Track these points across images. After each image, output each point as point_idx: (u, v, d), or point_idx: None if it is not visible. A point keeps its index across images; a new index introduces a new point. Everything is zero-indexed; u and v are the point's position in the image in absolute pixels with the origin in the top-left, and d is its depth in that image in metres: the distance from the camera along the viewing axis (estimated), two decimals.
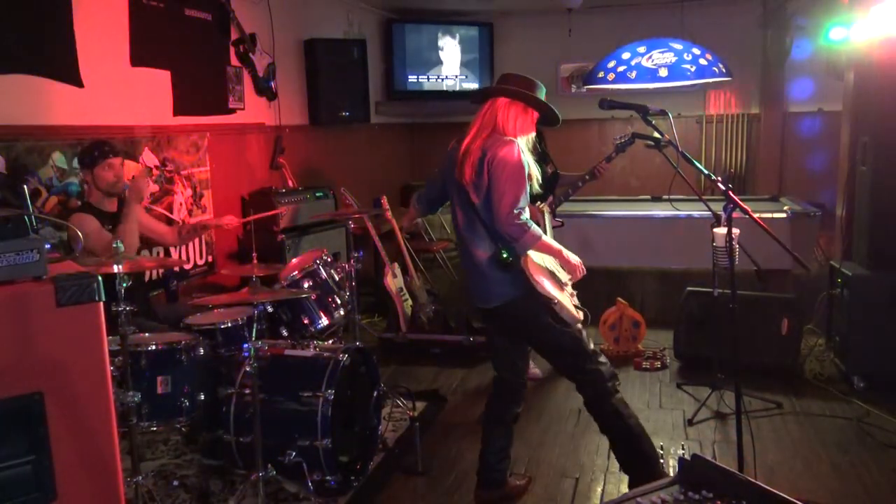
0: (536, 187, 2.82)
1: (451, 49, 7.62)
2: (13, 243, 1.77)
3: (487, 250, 2.77)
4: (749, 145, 7.19)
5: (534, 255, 2.77)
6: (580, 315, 2.88)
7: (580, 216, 5.41)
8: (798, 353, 4.51)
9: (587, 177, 4.30)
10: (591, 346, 2.89)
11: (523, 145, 2.77)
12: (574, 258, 2.86)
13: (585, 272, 2.89)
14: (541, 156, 4.52)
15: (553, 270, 2.88)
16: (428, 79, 7.56)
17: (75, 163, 3.70)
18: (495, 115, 2.75)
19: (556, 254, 2.82)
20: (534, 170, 2.78)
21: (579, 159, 5.15)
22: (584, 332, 2.90)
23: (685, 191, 3.09)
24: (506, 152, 2.67)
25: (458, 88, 7.64)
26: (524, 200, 2.69)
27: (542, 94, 2.80)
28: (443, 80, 7.61)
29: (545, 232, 2.95)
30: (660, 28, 6.53)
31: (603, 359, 2.89)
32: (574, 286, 3.01)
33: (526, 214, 2.67)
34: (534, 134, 2.85)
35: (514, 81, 2.79)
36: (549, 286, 2.76)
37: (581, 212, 5.50)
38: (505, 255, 2.71)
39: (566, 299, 2.83)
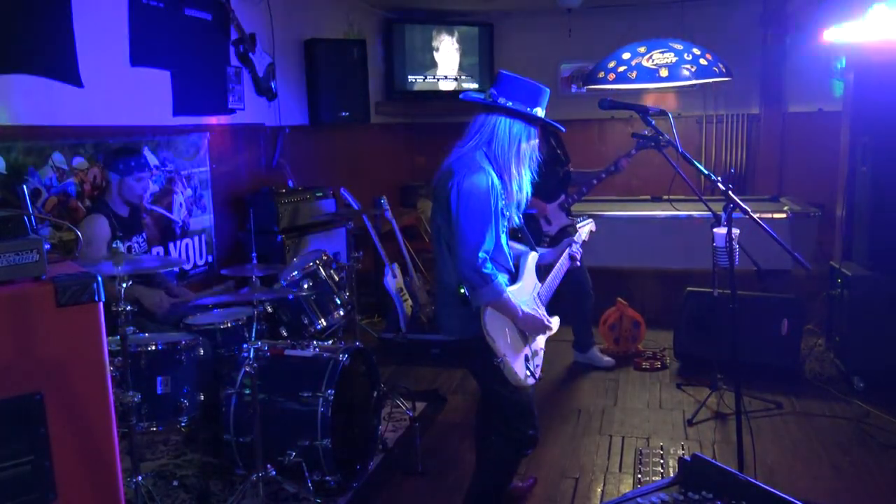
0: (516, 220, 2.60)
1: (451, 49, 7.61)
2: (13, 243, 1.78)
3: (450, 277, 2.51)
4: (749, 145, 7.18)
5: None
6: (528, 382, 2.58)
7: (580, 216, 5.40)
8: (798, 353, 4.51)
9: (603, 175, 4.49)
10: (534, 411, 2.68)
11: (526, 159, 2.52)
12: (535, 317, 2.57)
13: (553, 326, 2.67)
14: (555, 158, 4.58)
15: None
16: (428, 79, 7.56)
17: (75, 163, 3.69)
18: (492, 127, 2.49)
19: (513, 315, 2.50)
20: (509, 202, 2.52)
21: (579, 159, 5.13)
22: (530, 395, 2.67)
23: (685, 191, 3.08)
24: (471, 184, 2.39)
25: (458, 88, 7.64)
26: (490, 240, 2.42)
27: (545, 100, 2.54)
28: (443, 80, 7.61)
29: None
30: (660, 28, 6.52)
31: (534, 425, 2.67)
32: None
33: (489, 265, 2.40)
34: (536, 142, 2.58)
35: (513, 88, 2.49)
36: (500, 342, 2.46)
37: (581, 212, 5.50)
38: (462, 291, 2.46)
39: (517, 359, 2.54)
